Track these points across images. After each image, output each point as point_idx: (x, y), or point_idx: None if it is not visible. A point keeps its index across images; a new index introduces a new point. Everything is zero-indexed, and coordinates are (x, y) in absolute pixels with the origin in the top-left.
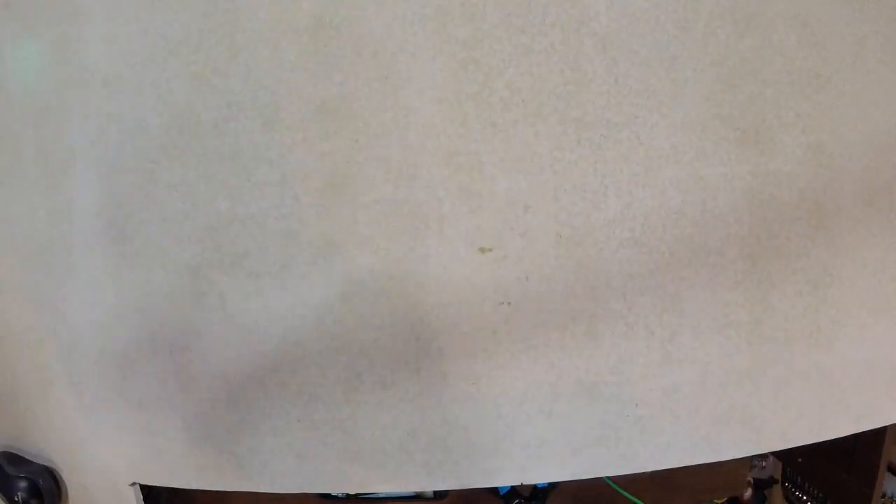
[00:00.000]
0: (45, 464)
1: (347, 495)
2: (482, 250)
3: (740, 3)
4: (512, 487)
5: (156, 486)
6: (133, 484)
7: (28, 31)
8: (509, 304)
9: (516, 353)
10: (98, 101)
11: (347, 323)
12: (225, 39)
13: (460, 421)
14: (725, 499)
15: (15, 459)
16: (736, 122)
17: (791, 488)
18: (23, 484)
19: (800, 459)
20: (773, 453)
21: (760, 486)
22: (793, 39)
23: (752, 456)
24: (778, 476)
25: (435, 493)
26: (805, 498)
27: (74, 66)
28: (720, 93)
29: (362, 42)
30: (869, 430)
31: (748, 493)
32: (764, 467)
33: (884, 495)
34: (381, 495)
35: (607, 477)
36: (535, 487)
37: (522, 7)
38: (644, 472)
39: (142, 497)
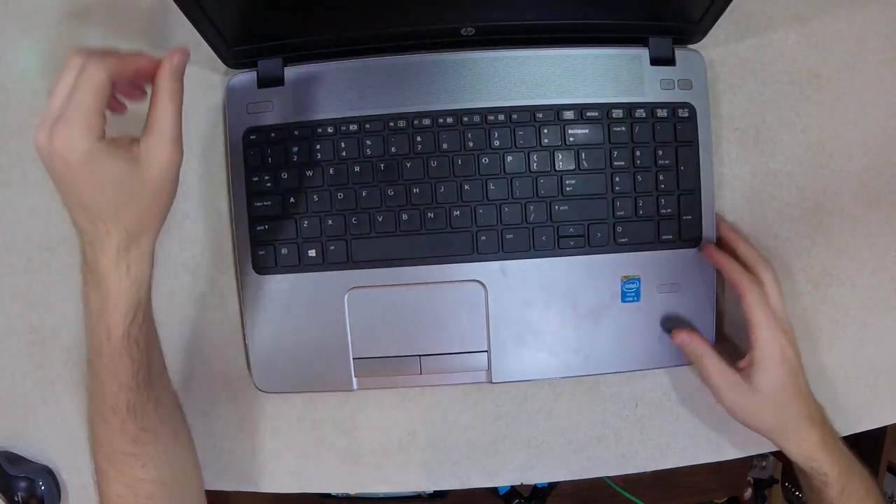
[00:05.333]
0: (45, 464)
1: (347, 495)
2: None
3: (740, 2)
4: (512, 487)
5: None
6: None
7: (28, 31)
8: None
9: None
10: None
11: None
12: None
13: (460, 421)
14: (725, 499)
15: (15, 459)
16: (735, 122)
17: (791, 488)
18: (23, 484)
19: None
20: (773, 453)
21: (760, 486)
22: (793, 39)
23: (752, 456)
24: (778, 476)
25: (434, 492)
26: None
27: None
28: (720, 93)
29: None
30: (869, 430)
31: (748, 493)
32: (764, 467)
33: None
34: (381, 495)
35: (607, 477)
36: (534, 487)
37: None
38: (644, 472)
39: None
